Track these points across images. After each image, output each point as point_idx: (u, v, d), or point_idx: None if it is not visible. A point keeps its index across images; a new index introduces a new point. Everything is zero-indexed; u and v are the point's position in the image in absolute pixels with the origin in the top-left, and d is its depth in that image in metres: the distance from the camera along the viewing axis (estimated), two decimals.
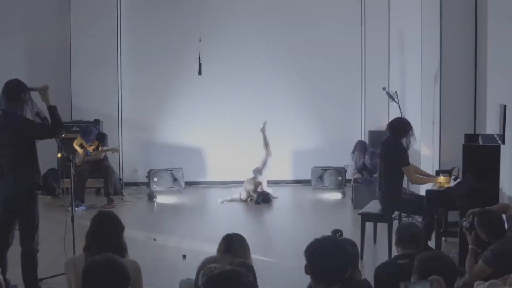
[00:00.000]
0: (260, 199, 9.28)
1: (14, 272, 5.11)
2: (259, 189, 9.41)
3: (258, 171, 9.61)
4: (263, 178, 9.60)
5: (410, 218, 7.30)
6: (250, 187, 9.43)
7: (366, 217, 6.53)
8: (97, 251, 3.45)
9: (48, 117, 5.02)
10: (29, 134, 4.93)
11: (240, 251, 3.99)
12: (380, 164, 6.61)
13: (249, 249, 4.10)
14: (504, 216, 4.62)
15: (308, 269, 2.95)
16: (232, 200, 9.46)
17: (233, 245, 4.01)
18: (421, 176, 6.77)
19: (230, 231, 4.24)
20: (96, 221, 3.78)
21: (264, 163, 9.70)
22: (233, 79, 10.65)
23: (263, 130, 9.86)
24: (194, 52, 9.73)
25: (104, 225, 3.73)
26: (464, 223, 4.54)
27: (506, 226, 4.45)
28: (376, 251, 6.64)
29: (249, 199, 9.39)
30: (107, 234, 3.68)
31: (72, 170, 5.61)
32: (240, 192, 9.57)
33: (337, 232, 4.90)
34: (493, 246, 4.16)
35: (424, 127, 8.26)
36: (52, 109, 4.97)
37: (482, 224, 4.27)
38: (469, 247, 4.41)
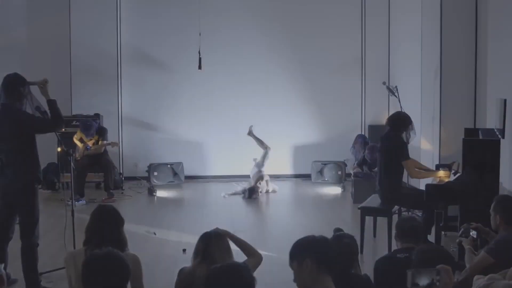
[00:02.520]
0: (246, 195, 9.28)
1: (15, 266, 5.12)
2: (258, 184, 9.42)
3: (260, 164, 9.65)
4: (266, 171, 9.64)
5: (410, 212, 7.30)
6: (252, 182, 9.46)
7: (366, 211, 6.54)
8: (97, 245, 3.45)
9: (47, 115, 5.03)
10: (29, 128, 4.92)
11: (217, 255, 3.64)
12: (380, 159, 6.61)
13: (229, 249, 3.78)
14: None
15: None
16: (235, 194, 9.48)
17: (210, 247, 3.69)
18: (421, 171, 6.77)
19: (230, 225, 4.22)
20: (96, 215, 3.78)
21: (264, 156, 9.74)
22: (233, 73, 10.64)
23: (250, 134, 9.91)
24: (194, 46, 9.72)
25: (104, 219, 3.73)
26: (460, 231, 4.59)
27: None
28: (376, 245, 6.65)
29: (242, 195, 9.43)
30: (107, 228, 3.68)
31: (72, 164, 5.60)
32: (245, 186, 9.58)
33: (337, 231, 4.91)
34: (498, 237, 4.19)
35: (424, 121, 8.26)
36: (51, 103, 4.96)
37: (500, 206, 4.27)
38: (466, 247, 4.43)
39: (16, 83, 4.95)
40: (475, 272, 3.86)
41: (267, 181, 9.61)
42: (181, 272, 3.77)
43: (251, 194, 9.28)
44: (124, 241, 3.73)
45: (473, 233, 4.45)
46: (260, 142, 9.88)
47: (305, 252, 2.97)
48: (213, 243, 3.71)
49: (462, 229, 4.60)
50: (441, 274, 2.66)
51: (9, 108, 4.91)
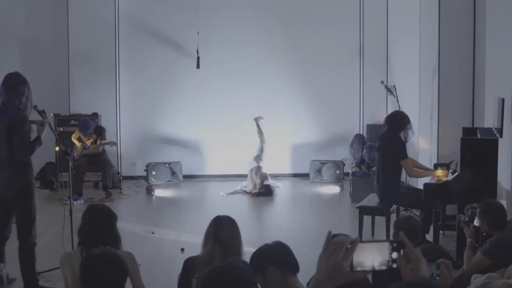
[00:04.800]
0: (262, 191, 9.27)
1: (13, 265, 5.12)
2: (266, 182, 9.41)
3: (259, 158, 9.61)
4: (264, 168, 9.62)
5: (408, 212, 7.31)
6: (257, 180, 9.43)
7: (364, 211, 6.54)
8: (92, 245, 3.45)
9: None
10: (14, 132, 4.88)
11: (227, 239, 3.64)
12: (378, 158, 6.61)
13: (239, 235, 3.76)
14: None
15: None
16: (234, 193, 9.48)
17: (221, 230, 3.68)
18: (419, 170, 6.78)
19: None
20: (87, 215, 3.77)
21: (262, 150, 9.72)
22: (231, 72, 10.63)
23: (257, 120, 9.86)
24: (192, 45, 9.72)
25: (96, 218, 3.73)
26: (462, 217, 4.55)
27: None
28: None
29: (254, 191, 9.38)
30: (100, 226, 3.68)
31: (70, 163, 5.60)
32: (246, 185, 9.56)
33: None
34: (493, 238, 4.18)
35: (422, 120, 8.26)
36: (37, 140, 4.95)
37: (486, 213, 4.27)
38: (467, 240, 4.42)
39: (17, 81, 4.96)
40: (471, 273, 3.87)
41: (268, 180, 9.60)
42: (190, 261, 3.73)
43: (269, 191, 9.28)
44: (118, 237, 3.73)
45: (476, 221, 4.42)
46: (260, 132, 9.83)
47: (265, 261, 2.97)
48: (223, 226, 3.70)
49: (465, 215, 4.55)
50: (441, 268, 2.67)
51: (8, 107, 4.90)
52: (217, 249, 3.58)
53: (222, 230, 3.66)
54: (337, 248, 1.55)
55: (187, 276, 3.65)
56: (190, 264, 3.70)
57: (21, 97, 4.94)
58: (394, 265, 1.59)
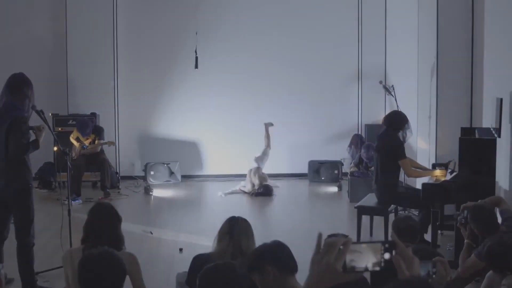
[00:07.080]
0: (261, 191, 9.26)
1: (11, 265, 5.11)
2: (264, 183, 9.40)
3: (260, 159, 9.62)
4: (264, 170, 9.61)
5: (406, 211, 7.31)
6: (256, 181, 9.41)
7: (362, 210, 6.54)
8: (94, 244, 3.46)
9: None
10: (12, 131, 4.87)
11: (242, 238, 3.69)
12: (377, 158, 6.61)
13: (252, 236, 3.80)
14: (497, 210, 4.63)
15: None
16: (232, 193, 9.47)
17: (236, 229, 3.73)
18: (418, 170, 6.78)
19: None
20: (93, 212, 3.79)
21: (265, 153, 9.72)
22: (229, 72, 10.63)
23: (267, 126, 9.90)
24: (190, 45, 9.71)
25: (102, 217, 3.75)
26: (459, 218, 4.55)
27: (500, 220, 4.46)
28: None
29: (252, 191, 9.35)
30: (104, 225, 3.69)
31: (68, 163, 5.59)
32: (244, 185, 9.55)
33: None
34: (487, 241, 4.18)
35: (420, 120, 8.26)
36: (34, 142, 4.96)
37: (474, 220, 4.28)
38: (465, 241, 4.42)
39: (21, 82, 4.94)
40: (465, 275, 3.88)
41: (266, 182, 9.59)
42: (199, 258, 3.73)
43: (268, 191, 9.27)
44: (121, 239, 3.75)
45: None
46: (267, 137, 9.86)
47: (264, 260, 2.96)
48: (239, 225, 3.76)
49: (459, 214, 4.54)
50: (437, 266, 2.67)
51: (9, 108, 4.88)
52: (231, 246, 3.64)
53: (239, 228, 3.73)
54: (329, 249, 1.56)
55: (196, 273, 3.65)
56: (199, 261, 3.69)
57: (24, 99, 4.93)
58: (387, 266, 1.60)
